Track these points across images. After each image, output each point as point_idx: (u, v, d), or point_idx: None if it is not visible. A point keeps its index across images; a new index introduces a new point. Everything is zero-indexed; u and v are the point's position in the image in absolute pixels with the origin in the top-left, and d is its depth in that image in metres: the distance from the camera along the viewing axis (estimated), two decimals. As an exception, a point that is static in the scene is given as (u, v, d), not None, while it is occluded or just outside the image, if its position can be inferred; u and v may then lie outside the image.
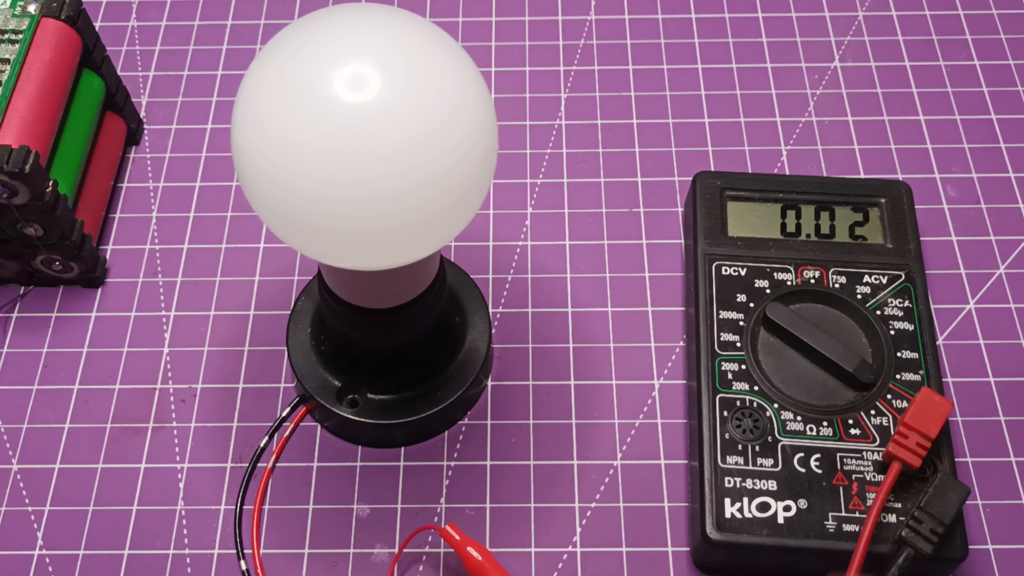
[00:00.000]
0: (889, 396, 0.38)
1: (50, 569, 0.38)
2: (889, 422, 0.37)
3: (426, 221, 0.31)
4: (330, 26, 0.30)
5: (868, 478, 0.36)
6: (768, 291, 0.40)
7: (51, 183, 0.39)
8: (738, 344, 0.39)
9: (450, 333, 0.41)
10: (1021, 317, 0.43)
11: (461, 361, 0.41)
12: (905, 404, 0.37)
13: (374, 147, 0.30)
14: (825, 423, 0.37)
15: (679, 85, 0.50)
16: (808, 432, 0.37)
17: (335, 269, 0.33)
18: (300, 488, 0.40)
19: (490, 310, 0.43)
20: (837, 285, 0.40)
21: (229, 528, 0.39)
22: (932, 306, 0.41)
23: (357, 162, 0.29)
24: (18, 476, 0.40)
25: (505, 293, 0.44)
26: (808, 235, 0.41)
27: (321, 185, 0.30)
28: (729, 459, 0.37)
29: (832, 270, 0.40)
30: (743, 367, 0.38)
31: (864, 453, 0.37)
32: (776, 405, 0.38)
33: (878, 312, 0.39)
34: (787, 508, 0.35)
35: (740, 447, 0.37)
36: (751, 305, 0.39)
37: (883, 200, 0.42)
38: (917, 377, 0.38)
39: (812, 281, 0.40)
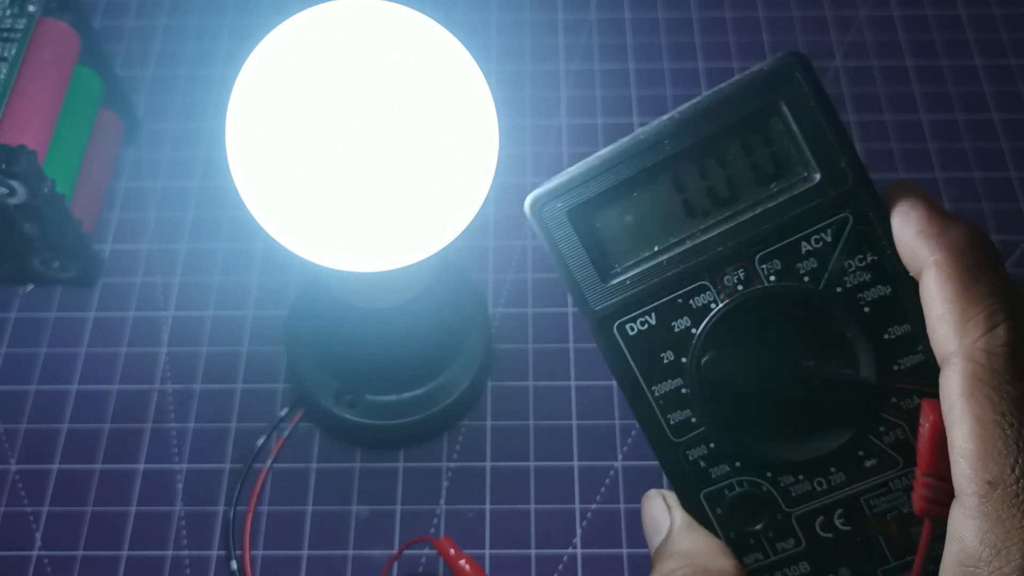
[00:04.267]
0: (895, 399, 0.29)
1: (49, 570, 0.38)
2: (907, 432, 0.29)
3: (425, 222, 0.31)
4: (322, 26, 0.30)
5: (906, 511, 0.29)
6: (694, 331, 0.30)
7: (49, 182, 0.39)
8: (693, 420, 0.30)
9: (449, 333, 0.41)
10: (1022, 318, 0.43)
11: (461, 361, 0.40)
12: (916, 401, 0.29)
13: (369, 147, 0.29)
14: (833, 469, 0.30)
15: (680, 84, 0.50)
16: (818, 488, 0.30)
17: (335, 270, 0.33)
18: (299, 490, 0.40)
19: (490, 310, 0.43)
20: (772, 277, 0.29)
21: (228, 530, 0.39)
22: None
23: (353, 163, 0.29)
24: (17, 477, 0.40)
25: (505, 293, 0.44)
26: (706, 211, 0.29)
27: (316, 188, 0.30)
28: (747, 559, 0.30)
29: (758, 257, 0.29)
30: (712, 446, 0.30)
31: (891, 483, 0.29)
32: (769, 474, 0.30)
33: (839, 289, 0.29)
34: None
35: (752, 541, 0.30)
36: (683, 361, 0.30)
37: (780, 100, 0.28)
38: (919, 358, 0.29)
39: (740, 288, 0.29)
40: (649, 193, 0.29)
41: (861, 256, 0.28)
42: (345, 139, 0.29)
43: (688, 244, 0.29)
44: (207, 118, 0.49)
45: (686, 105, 0.29)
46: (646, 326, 0.29)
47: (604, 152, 0.29)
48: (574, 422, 0.41)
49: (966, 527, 0.24)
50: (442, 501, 0.39)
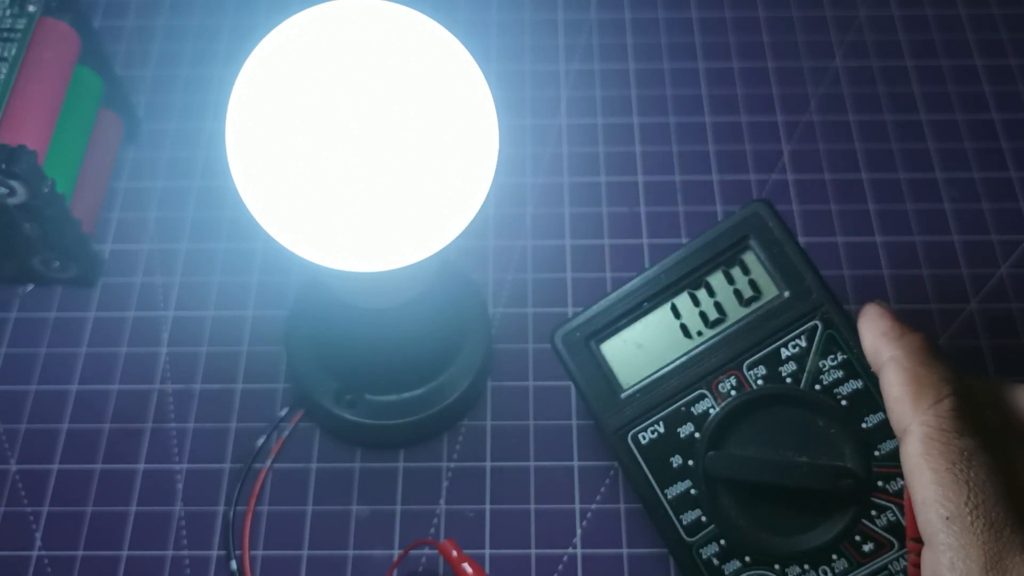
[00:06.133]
0: (880, 483, 0.32)
1: (49, 570, 0.38)
2: (896, 514, 0.32)
3: (425, 222, 0.31)
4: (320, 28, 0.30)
5: None
6: (697, 435, 0.33)
7: (49, 182, 0.39)
8: (703, 519, 0.33)
9: (449, 333, 0.41)
10: (1022, 317, 0.43)
11: (461, 361, 0.40)
12: (900, 483, 0.32)
13: (369, 147, 0.29)
14: (835, 556, 0.32)
15: (680, 84, 0.50)
16: None
17: (334, 270, 0.33)
18: (299, 489, 0.40)
19: (490, 310, 0.43)
20: (760, 382, 0.33)
21: (228, 530, 0.39)
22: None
23: (353, 163, 0.29)
24: (17, 477, 0.40)
25: (505, 293, 0.44)
26: (700, 332, 0.34)
27: (316, 188, 0.30)
28: None
29: (746, 365, 0.33)
30: (723, 543, 0.32)
31: (890, 566, 0.32)
32: (777, 566, 0.32)
33: (817, 387, 0.33)
34: None
35: None
36: (690, 464, 0.33)
37: (750, 238, 0.35)
38: (896, 443, 0.32)
39: (733, 393, 0.33)
40: (652, 321, 0.34)
41: (833, 356, 0.33)
42: (345, 139, 0.29)
43: (686, 359, 0.34)
44: (207, 118, 0.49)
45: (677, 251, 0.35)
46: (656, 434, 0.33)
47: (615, 293, 0.35)
48: (574, 422, 0.41)
49: (935, 563, 0.27)
50: (442, 501, 0.39)
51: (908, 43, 0.52)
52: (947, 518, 0.27)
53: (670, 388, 0.34)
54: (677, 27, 0.52)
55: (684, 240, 0.45)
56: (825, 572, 0.32)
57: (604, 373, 0.34)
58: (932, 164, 0.48)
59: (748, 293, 0.34)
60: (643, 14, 0.53)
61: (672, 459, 0.33)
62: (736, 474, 0.32)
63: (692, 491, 0.33)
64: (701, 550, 0.33)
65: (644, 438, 0.34)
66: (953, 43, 0.52)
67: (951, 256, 0.45)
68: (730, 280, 0.35)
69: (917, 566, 0.29)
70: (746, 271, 0.35)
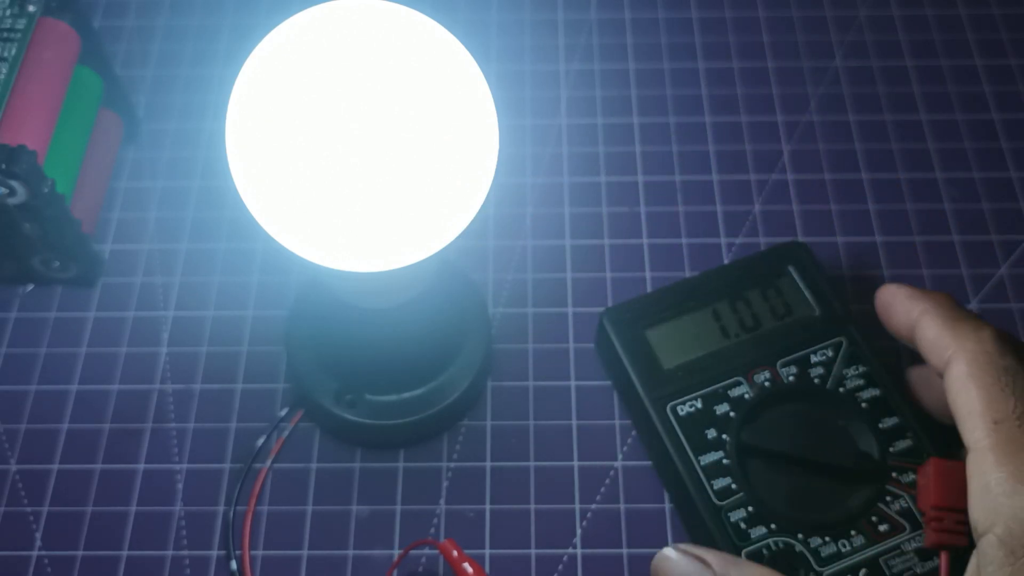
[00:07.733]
0: (894, 474, 0.35)
1: (49, 570, 0.38)
2: (908, 502, 0.35)
3: (425, 222, 0.31)
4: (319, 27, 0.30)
5: (919, 571, 0.34)
6: (732, 414, 0.36)
7: (49, 182, 0.39)
8: (734, 487, 0.35)
9: (449, 333, 0.41)
10: (1022, 317, 0.43)
11: (461, 361, 0.40)
12: (912, 477, 0.35)
13: (369, 147, 0.29)
14: (853, 532, 0.34)
15: (680, 84, 0.50)
16: (843, 550, 0.34)
17: (335, 270, 0.33)
18: (299, 490, 0.40)
19: (490, 310, 0.43)
20: (791, 378, 0.37)
21: (228, 530, 0.39)
22: (878, 358, 0.38)
23: (353, 163, 0.29)
24: (17, 477, 0.40)
25: (505, 293, 0.44)
26: (737, 334, 0.38)
27: (316, 188, 0.30)
28: None
29: (779, 363, 0.37)
30: (751, 510, 0.35)
31: (902, 546, 0.34)
32: (800, 536, 0.34)
33: (841, 389, 0.37)
34: None
35: None
36: (724, 437, 0.36)
37: (789, 267, 0.40)
38: (908, 442, 0.36)
39: (767, 384, 0.37)
40: (694, 319, 0.39)
41: (856, 367, 0.37)
42: (345, 139, 0.29)
43: (724, 352, 0.38)
44: (207, 118, 0.49)
45: (725, 263, 0.41)
46: (693, 408, 0.37)
47: (658, 290, 0.40)
48: (574, 422, 0.41)
49: (983, 461, 0.29)
50: (442, 501, 0.39)
51: (908, 43, 0.52)
52: (995, 422, 0.29)
53: (709, 373, 0.37)
54: (677, 27, 0.52)
55: (684, 240, 0.45)
56: (845, 546, 0.34)
57: (648, 351, 0.38)
58: (932, 164, 0.48)
59: (781, 309, 0.39)
60: (643, 14, 0.53)
61: (707, 431, 0.36)
62: (768, 444, 0.35)
63: (724, 461, 0.36)
64: (729, 514, 0.35)
65: (682, 410, 0.37)
66: (953, 43, 0.52)
67: (951, 256, 0.45)
68: (766, 297, 0.39)
69: (939, 531, 0.32)
70: (781, 292, 0.39)
